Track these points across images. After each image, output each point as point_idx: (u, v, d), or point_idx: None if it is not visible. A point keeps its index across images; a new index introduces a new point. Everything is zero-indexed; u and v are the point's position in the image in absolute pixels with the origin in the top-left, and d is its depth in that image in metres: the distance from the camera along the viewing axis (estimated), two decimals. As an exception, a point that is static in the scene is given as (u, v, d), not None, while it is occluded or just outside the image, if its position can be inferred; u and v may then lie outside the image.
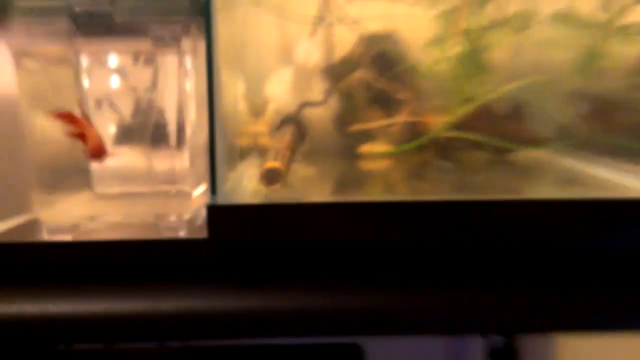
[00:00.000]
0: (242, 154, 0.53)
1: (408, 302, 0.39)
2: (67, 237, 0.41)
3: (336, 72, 0.65)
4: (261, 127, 0.66)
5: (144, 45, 0.40)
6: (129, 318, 0.38)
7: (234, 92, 0.50)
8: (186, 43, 0.41)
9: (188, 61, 0.41)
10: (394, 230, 0.40)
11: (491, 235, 0.40)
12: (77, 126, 0.42)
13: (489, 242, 0.40)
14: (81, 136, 0.42)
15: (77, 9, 0.38)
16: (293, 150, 0.50)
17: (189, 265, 0.38)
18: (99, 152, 0.43)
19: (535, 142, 0.61)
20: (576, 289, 0.40)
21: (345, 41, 0.62)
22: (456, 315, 0.39)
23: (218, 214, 0.36)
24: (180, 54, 0.41)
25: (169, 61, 0.41)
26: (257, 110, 0.66)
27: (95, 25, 0.38)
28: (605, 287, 0.40)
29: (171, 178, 0.43)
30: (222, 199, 0.37)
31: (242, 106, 0.61)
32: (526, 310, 0.40)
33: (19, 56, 0.40)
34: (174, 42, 0.39)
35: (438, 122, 0.59)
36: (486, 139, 0.56)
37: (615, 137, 0.55)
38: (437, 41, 0.61)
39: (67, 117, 0.41)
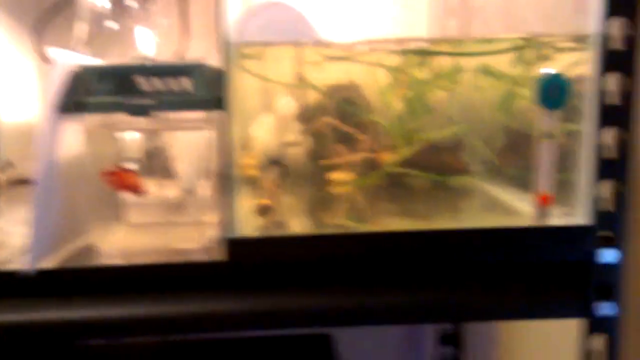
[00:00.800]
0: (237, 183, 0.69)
1: (374, 300, 0.57)
2: (118, 261, 0.57)
3: (308, 117, 0.81)
4: (249, 160, 0.82)
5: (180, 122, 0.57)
6: (169, 317, 0.54)
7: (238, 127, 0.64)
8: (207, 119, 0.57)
9: (208, 135, 0.58)
10: (361, 251, 0.57)
11: (435, 253, 0.57)
12: (118, 178, 0.58)
13: (433, 257, 0.57)
14: (123, 186, 0.58)
15: (130, 102, 0.54)
16: (279, 187, 0.67)
17: (212, 279, 0.54)
18: (137, 191, 0.59)
19: (466, 171, 0.78)
20: (492, 289, 0.58)
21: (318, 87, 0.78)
22: (410, 308, 0.57)
23: (235, 244, 0.53)
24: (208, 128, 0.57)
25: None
26: (246, 146, 0.82)
27: (140, 113, 0.55)
28: (515, 288, 0.58)
29: (192, 211, 0.60)
30: (237, 232, 0.54)
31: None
32: (461, 304, 0.58)
33: (87, 133, 0.56)
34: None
35: (389, 158, 0.76)
36: (425, 174, 0.74)
37: (522, 169, 0.72)
38: (388, 89, 0.78)
39: (109, 174, 0.58)
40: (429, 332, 1.10)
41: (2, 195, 0.94)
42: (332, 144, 0.80)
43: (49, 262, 0.55)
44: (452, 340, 1.04)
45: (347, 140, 0.81)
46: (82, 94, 0.53)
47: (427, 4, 0.84)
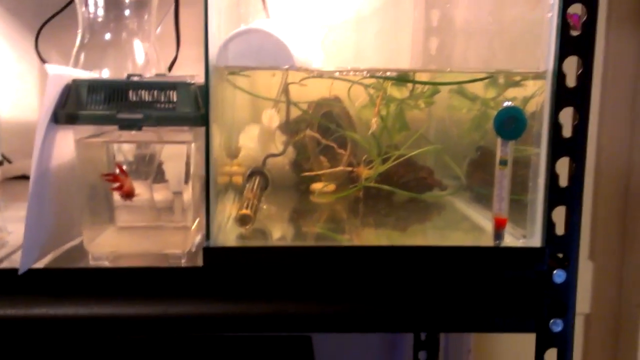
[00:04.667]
0: (222, 190, 0.73)
1: (345, 308, 0.61)
2: (105, 264, 0.61)
3: (292, 129, 0.85)
4: (235, 168, 0.86)
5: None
6: (149, 317, 0.58)
7: (217, 142, 0.68)
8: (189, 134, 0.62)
9: (192, 147, 0.62)
10: (334, 263, 0.60)
11: (403, 267, 0.61)
12: (116, 180, 0.62)
13: (401, 271, 0.61)
14: (119, 188, 0.62)
15: (119, 116, 0.58)
16: (259, 198, 0.71)
17: (190, 283, 0.59)
18: (129, 194, 0.63)
19: (439, 187, 0.82)
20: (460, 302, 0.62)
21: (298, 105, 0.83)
22: (378, 317, 0.61)
23: (211, 252, 0.57)
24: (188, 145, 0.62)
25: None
26: (232, 154, 0.87)
27: (130, 127, 0.59)
28: (476, 303, 0.62)
29: (175, 216, 0.65)
30: (213, 242, 0.58)
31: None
32: (428, 315, 0.62)
33: (77, 142, 0.60)
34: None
35: (367, 172, 0.80)
36: (396, 190, 0.78)
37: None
38: (368, 106, 0.82)
39: (110, 175, 0.61)
40: (407, 337, 1.14)
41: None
42: (314, 156, 0.84)
43: (41, 263, 0.59)
44: (428, 346, 1.09)
45: (329, 153, 0.85)
46: (75, 106, 0.57)
47: (409, 24, 0.88)
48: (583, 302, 1.12)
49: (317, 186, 0.84)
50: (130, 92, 0.59)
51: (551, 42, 0.56)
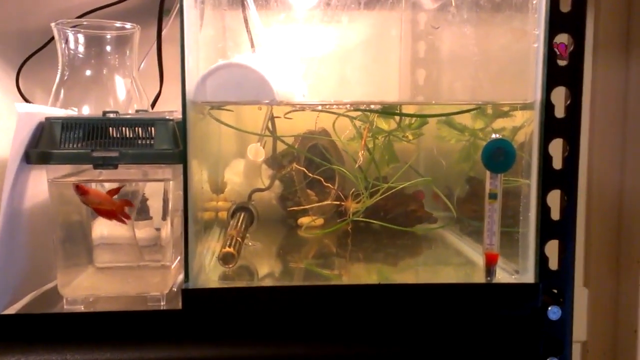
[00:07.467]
0: (205, 227, 0.71)
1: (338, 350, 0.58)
2: (80, 308, 0.59)
3: (279, 163, 0.84)
4: (221, 203, 0.84)
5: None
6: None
7: (197, 178, 0.66)
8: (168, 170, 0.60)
9: (170, 184, 0.60)
10: (324, 304, 0.58)
11: (391, 306, 0.58)
12: (94, 196, 0.59)
13: (390, 310, 0.59)
14: (107, 212, 0.60)
15: (94, 155, 0.56)
16: (243, 235, 0.68)
17: (169, 327, 0.56)
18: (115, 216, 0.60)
19: (427, 219, 0.80)
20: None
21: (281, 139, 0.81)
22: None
23: (190, 295, 0.54)
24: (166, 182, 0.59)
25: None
26: (217, 190, 0.84)
27: (106, 166, 0.57)
28: (469, 341, 0.59)
29: (157, 255, 0.62)
30: (192, 284, 0.55)
31: (205, 187, 0.78)
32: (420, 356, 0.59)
33: (51, 182, 0.58)
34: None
35: (355, 206, 0.78)
36: (385, 223, 0.76)
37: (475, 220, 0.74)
38: (355, 138, 0.81)
39: (82, 188, 0.59)
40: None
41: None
42: (301, 189, 0.82)
43: (12, 309, 0.57)
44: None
45: (316, 187, 0.83)
46: (48, 145, 0.55)
47: (396, 55, 0.87)
48: (579, 329, 1.10)
49: (304, 220, 0.82)
50: (106, 130, 0.57)
51: (538, 73, 0.54)
